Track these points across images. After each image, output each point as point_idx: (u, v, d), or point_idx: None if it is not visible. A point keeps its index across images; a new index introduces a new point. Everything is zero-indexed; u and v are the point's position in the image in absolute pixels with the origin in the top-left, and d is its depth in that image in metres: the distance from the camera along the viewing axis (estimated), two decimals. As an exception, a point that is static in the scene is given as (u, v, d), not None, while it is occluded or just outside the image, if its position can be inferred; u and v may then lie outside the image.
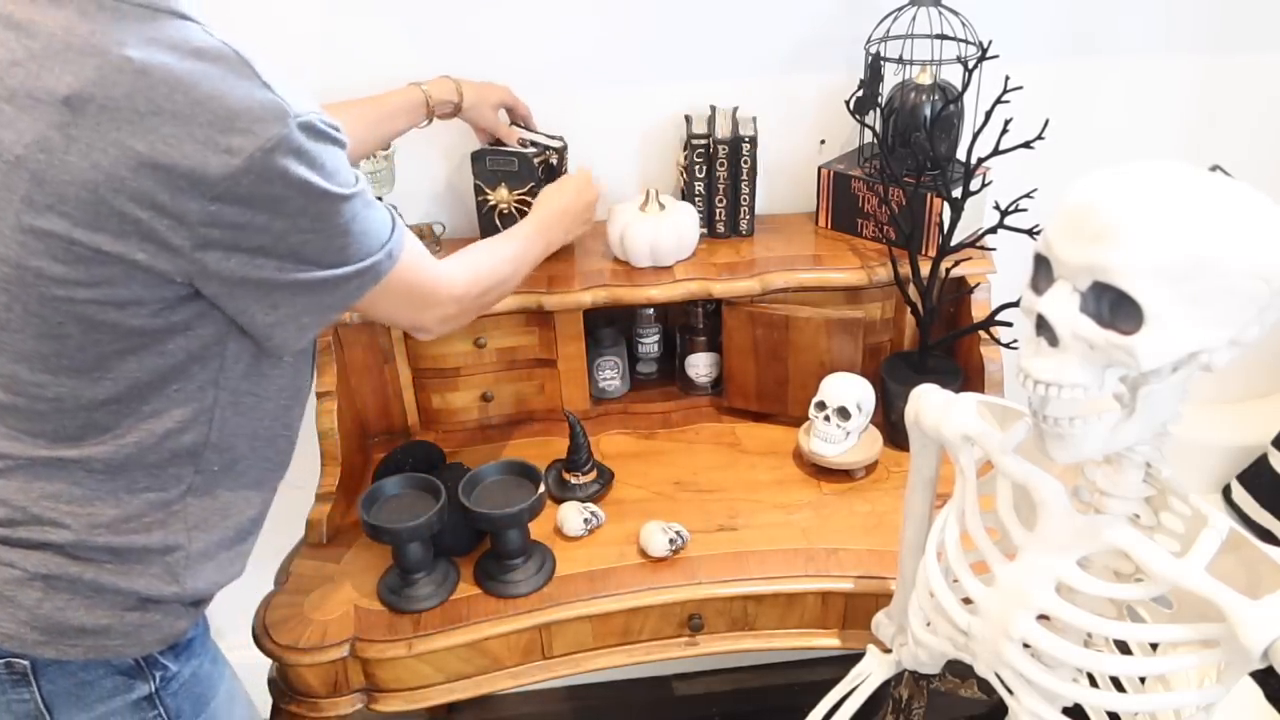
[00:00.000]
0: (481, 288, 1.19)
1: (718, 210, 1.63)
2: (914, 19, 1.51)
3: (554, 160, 1.56)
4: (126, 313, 0.87)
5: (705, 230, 1.64)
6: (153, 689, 1.03)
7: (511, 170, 1.54)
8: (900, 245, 1.51)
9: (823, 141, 1.70)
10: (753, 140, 1.58)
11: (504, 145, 1.55)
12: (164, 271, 0.86)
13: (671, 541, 1.34)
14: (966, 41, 1.51)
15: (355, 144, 1.41)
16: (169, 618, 1.01)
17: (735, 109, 1.62)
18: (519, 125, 1.58)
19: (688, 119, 1.62)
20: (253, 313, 0.93)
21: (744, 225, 1.65)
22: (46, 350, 0.88)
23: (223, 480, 1.02)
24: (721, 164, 1.59)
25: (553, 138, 1.58)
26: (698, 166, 1.60)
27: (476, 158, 1.56)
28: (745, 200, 1.62)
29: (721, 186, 1.61)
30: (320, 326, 0.97)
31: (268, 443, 1.06)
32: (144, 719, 1.03)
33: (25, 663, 0.96)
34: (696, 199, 1.62)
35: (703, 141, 1.58)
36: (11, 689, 0.96)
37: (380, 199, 1.14)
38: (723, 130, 1.59)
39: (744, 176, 1.60)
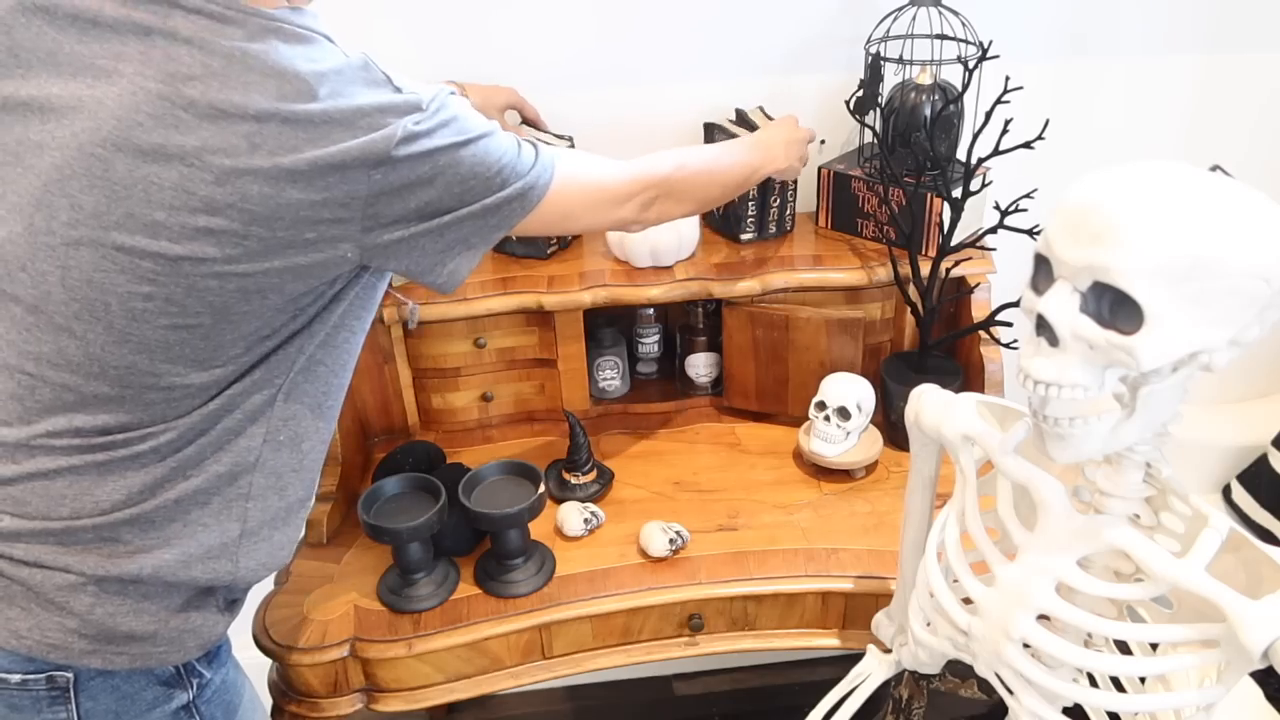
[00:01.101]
0: (674, 166, 1.23)
1: (771, 211, 1.63)
2: (914, 19, 1.51)
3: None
4: (268, 302, 0.93)
5: (755, 234, 1.63)
6: (190, 697, 1.03)
7: None
8: (900, 245, 1.51)
9: (823, 141, 1.70)
10: None
11: None
12: (335, 255, 0.93)
13: (671, 541, 1.34)
14: (966, 41, 1.52)
15: None
16: (208, 622, 1.03)
17: (760, 108, 1.63)
18: (529, 125, 1.58)
19: (740, 113, 1.62)
20: (426, 262, 1.00)
21: (789, 224, 1.66)
22: (174, 339, 0.91)
23: (284, 453, 1.04)
24: None
25: (559, 137, 1.58)
26: None
27: None
28: (790, 198, 1.63)
29: (778, 186, 1.60)
30: (488, 246, 1.05)
31: (323, 413, 1.08)
32: None
33: (68, 676, 0.95)
34: (750, 201, 1.60)
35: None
36: (48, 708, 0.96)
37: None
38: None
39: None
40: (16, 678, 0.94)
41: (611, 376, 1.67)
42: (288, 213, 0.88)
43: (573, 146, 1.59)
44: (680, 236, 1.56)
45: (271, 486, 1.04)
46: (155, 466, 0.95)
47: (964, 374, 1.55)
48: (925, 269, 1.49)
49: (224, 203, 0.86)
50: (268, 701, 1.33)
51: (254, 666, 1.30)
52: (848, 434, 1.47)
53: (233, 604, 1.08)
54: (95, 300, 0.88)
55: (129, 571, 0.95)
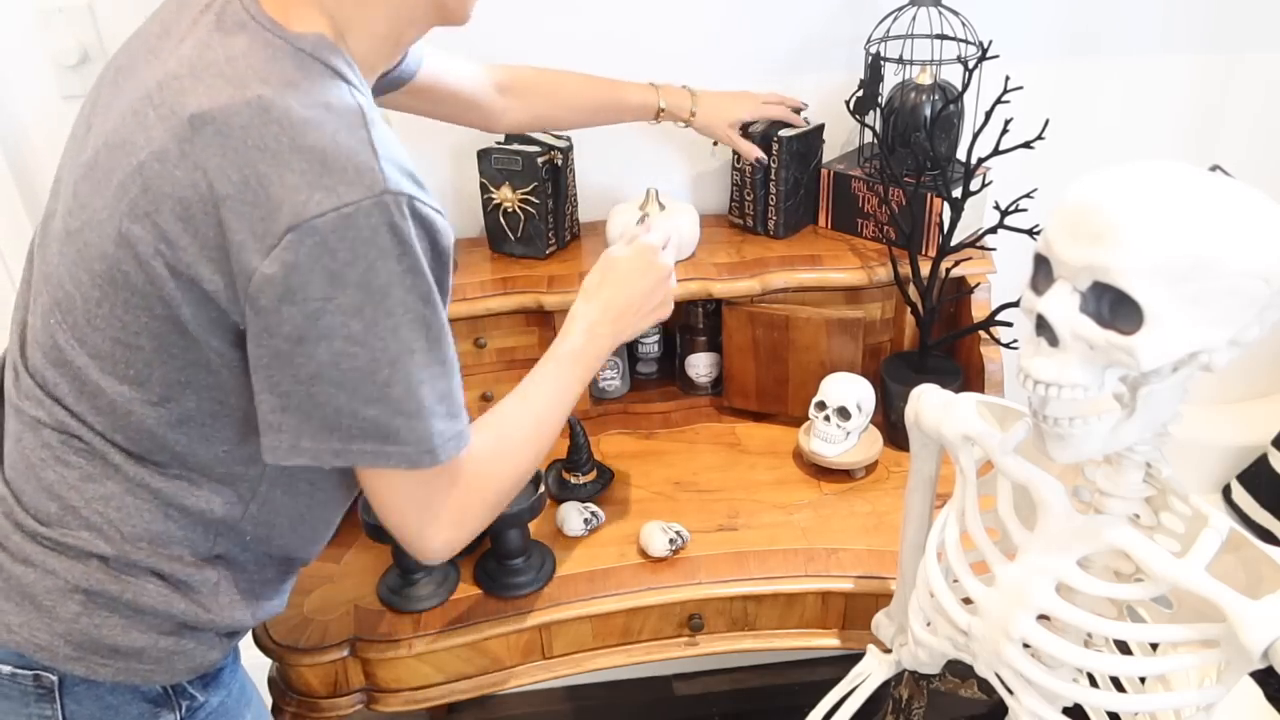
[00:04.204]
0: (490, 496, 0.99)
1: (770, 210, 1.63)
2: (914, 19, 1.51)
3: (558, 160, 1.57)
4: (194, 341, 0.86)
5: (774, 233, 1.65)
6: (178, 718, 1.01)
7: (515, 169, 1.54)
8: (900, 245, 1.51)
9: (823, 141, 1.70)
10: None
11: (508, 145, 1.55)
12: (226, 308, 0.83)
13: (671, 541, 1.34)
14: (966, 41, 1.52)
15: (572, 113, 1.47)
16: (202, 647, 0.99)
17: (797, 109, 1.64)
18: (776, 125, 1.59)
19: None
20: (260, 400, 0.86)
21: (775, 227, 1.65)
22: (119, 356, 0.87)
23: (255, 547, 0.99)
24: (774, 160, 1.59)
25: (559, 137, 1.58)
26: (749, 167, 1.60)
27: (482, 156, 1.56)
28: (775, 199, 1.63)
29: (784, 187, 1.61)
30: (316, 462, 0.87)
31: (310, 529, 1.02)
32: None
33: (54, 678, 0.94)
34: (747, 196, 1.63)
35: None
36: (35, 703, 0.95)
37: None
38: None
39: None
40: (8, 669, 0.93)
41: (611, 376, 1.67)
42: (191, 244, 0.82)
43: (571, 148, 1.60)
44: (680, 236, 1.56)
45: (242, 566, 0.99)
46: (141, 494, 0.92)
47: (964, 374, 1.55)
48: (925, 269, 1.49)
49: (143, 211, 0.82)
50: (267, 700, 1.33)
51: (254, 667, 1.30)
52: (848, 434, 1.47)
53: (233, 634, 1.03)
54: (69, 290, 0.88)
55: (112, 591, 0.92)
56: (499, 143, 1.56)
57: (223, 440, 0.91)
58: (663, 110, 1.49)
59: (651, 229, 1.19)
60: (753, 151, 1.56)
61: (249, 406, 0.88)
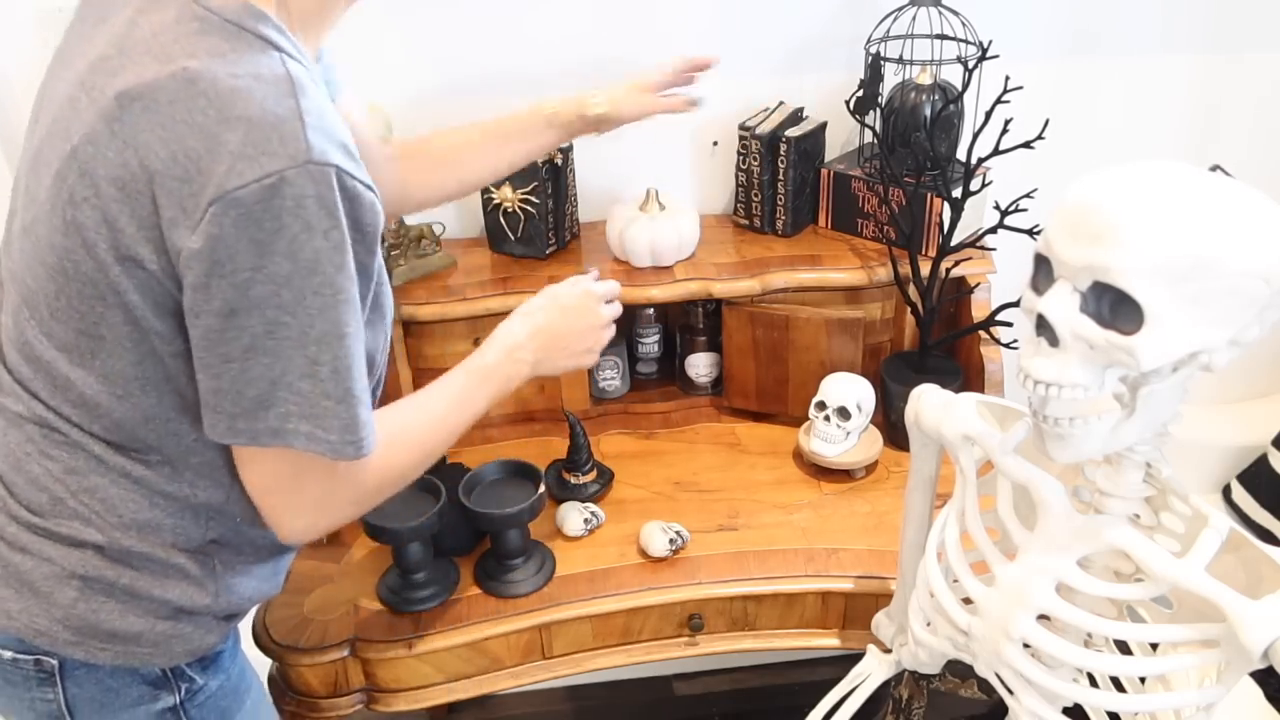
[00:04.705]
0: (376, 486, 0.97)
1: (778, 209, 1.64)
2: (914, 19, 1.51)
3: (558, 160, 1.57)
4: (144, 329, 0.86)
5: (782, 231, 1.65)
6: (178, 700, 1.01)
7: None
8: (900, 245, 1.51)
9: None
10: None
11: None
12: (170, 290, 0.83)
13: (671, 541, 1.34)
14: (966, 41, 1.52)
15: (474, 162, 1.30)
16: (200, 630, 1.00)
17: (798, 109, 1.64)
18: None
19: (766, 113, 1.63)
20: (199, 379, 0.85)
21: (780, 225, 1.66)
22: (84, 347, 0.87)
23: (247, 528, 0.99)
24: (782, 161, 1.59)
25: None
26: (755, 163, 1.60)
27: None
28: (783, 199, 1.63)
29: (792, 186, 1.61)
30: (254, 442, 0.86)
31: None
32: None
33: (54, 662, 0.95)
34: (754, 197, 1.63)
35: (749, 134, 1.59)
36: (37, 687, 0.96)
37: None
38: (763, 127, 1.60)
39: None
40: (9, 655, 0.94)
41: (611, 376, 1.67)
42: (129, 225, 0.82)
43: (571, 149, 1.59)
44: (680, 236, 1.56)
45: (237, 549, 1.00)
46: (123, 484, 0.92)
47: (964, 374, 1.55)
48: (925, 269, 1.49)
49: (82, 196, 0.82)
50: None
51: (254, 666, 1.30)
52: (848, 434, 1.47)
53: (230, 616, 1.04)
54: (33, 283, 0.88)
55: (108, 577, 0.93)
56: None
57: (190, 431, 0.91)
58: (554, 112, 1.28)
59: (602, 281, 1.18)
60: (683, 105, 1.31)
61: None
